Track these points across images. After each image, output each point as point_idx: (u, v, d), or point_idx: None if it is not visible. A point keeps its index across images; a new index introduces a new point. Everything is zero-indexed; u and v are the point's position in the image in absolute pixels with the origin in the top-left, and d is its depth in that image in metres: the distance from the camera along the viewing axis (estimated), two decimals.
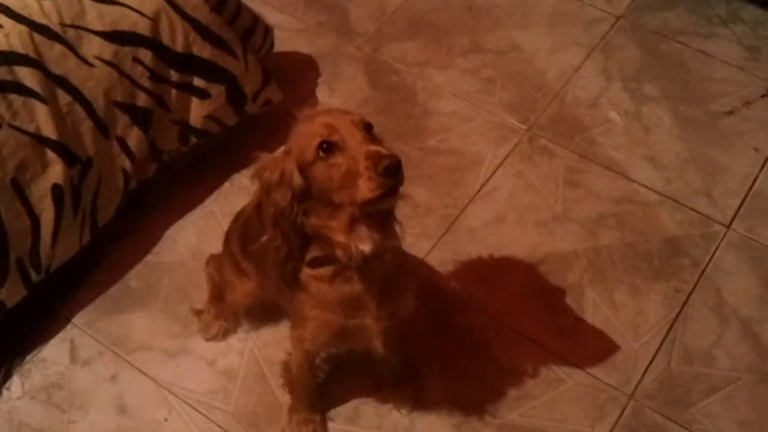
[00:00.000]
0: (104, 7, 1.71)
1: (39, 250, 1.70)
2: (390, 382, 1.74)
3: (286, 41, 2.39)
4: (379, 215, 1.24)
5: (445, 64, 2.38)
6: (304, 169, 1.22)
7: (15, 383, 1.78)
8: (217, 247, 1.79)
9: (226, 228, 1.75)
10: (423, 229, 2.01)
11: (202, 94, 1.91)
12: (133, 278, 1.94)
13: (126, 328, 1.86)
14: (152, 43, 1.77)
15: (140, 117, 1.81)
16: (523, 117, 2.25)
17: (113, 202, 1.85)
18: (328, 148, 1.18)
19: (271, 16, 2.39)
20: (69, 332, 1.85)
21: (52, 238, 1.71)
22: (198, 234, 2.01)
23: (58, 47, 1.66)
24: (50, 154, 1.67)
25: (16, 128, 1.61)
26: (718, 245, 2.00)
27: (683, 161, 2.16)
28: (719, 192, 2.10)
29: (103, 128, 1.76)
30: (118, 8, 1.72)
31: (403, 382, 1.74)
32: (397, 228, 1.31)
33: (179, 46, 1.81)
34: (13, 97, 1.60)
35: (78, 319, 1.87)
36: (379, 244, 1.25)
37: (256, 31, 2.05)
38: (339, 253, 1.26)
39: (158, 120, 1.86)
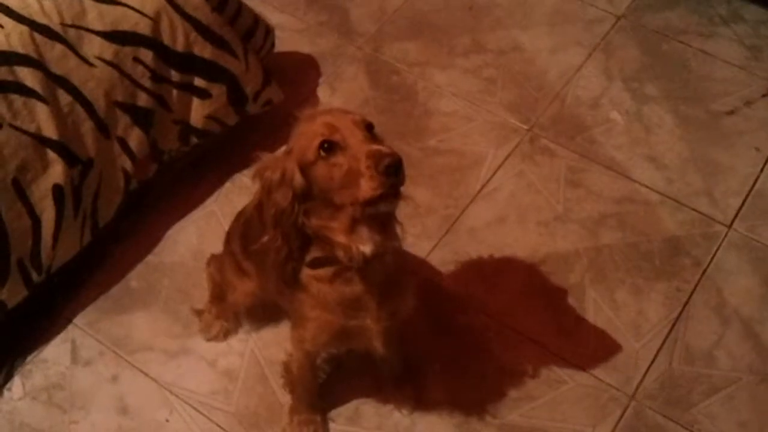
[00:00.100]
0: (105, 7, 1.71)
1: (40, 251, 1.70)
2: (390, 382, 1.74)
3: (286, 41, 2.39)
4: (379, 216, 1.24)
5: (446, 64, 2.38)
6: (305, 168, 1.22)
7: (16, 384, 1.78)
8: (218, 247, 1.79)
9: (227, 228, 1.75)
10: (424, 229, 2.01)
11: (203, 94, 1.91)
12: (133, 278, 1.94)
13: (127, 328, 1.86)
14: (153, 43, 1.77)
15: (141, 117, 1.81)
16: (524, 117, 2.25)
17: (114, 202, 1.85)
18: (329, 147, 1.18)
19: (271, 16, 2.38)
20: (70, 333, 1.85)
21: (53, 239, 1.71)
22: (199, 234, 2.01)
23: (59, 47, 1.66)
24: (51, 155, 1.67)
25: (17, 128, 1.61)
26: (720, 245, 1.99)
27: (684, 161, 2.16)
28: (720, 192, 2.09)
29: (103, 128, 1.75)
30: (118, 8, 1.72)
31: (403, 382, 1.74)
32: (398, 228, 1.31)
33: (180, 46, 1.81)
34: (13, 97, 1.60)
35: (79, 319, 1.87)
36: (379, 245, 1.25)
37: (257, 31, 2.05)
38: (340, 253, 1.26)
39: (159, 120, 1.86)
